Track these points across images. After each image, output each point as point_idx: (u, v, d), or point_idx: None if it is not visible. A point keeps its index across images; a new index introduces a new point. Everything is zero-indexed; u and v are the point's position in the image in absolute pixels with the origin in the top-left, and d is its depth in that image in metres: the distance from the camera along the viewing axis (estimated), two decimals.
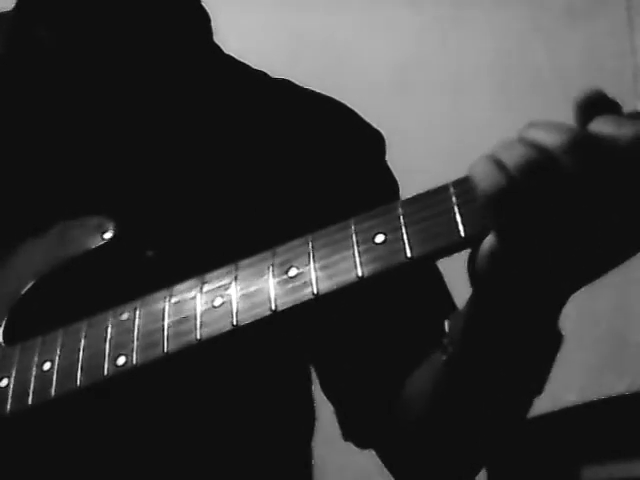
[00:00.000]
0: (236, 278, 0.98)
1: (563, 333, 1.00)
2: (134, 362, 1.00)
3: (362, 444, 1.24)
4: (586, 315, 2.71)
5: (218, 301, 0.97)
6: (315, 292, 0.92)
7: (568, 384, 2.61)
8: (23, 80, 1.27)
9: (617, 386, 2.36)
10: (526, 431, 2.20)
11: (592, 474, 2.16)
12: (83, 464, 1.16)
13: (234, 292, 0.97)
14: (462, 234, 0.88)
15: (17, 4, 1.29)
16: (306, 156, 1.25)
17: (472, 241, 0.89)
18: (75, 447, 1.16)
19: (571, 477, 2.17)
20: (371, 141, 1.31)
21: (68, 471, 1.16)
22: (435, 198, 0.91)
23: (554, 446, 2.18)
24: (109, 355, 1.02)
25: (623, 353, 2.69)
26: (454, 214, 0.89)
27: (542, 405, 2.23)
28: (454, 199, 0.89)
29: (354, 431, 1.23)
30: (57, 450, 1.16)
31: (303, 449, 1.29)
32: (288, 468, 1.27)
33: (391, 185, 1.30)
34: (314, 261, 0.94)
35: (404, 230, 0.91)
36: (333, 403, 1.25)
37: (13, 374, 1.07)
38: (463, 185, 0.89)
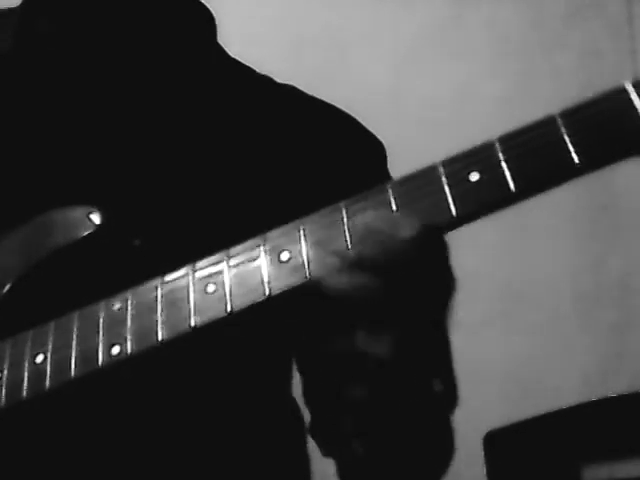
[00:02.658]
0: (228, 264, 0.98)
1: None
2: (129, 351, 1.00)
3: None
4: (586, 315, 2.71)
5: (211, 288, 0.98)
6: (308, 275, 0.93)
7: (568, 384, 2.61)
8: (25, 74, 1.27)
9: (617, 386, 2.35)
10: (526, 431, 2.20)
11: (592, 474, 2.16)
12: (77, 458, 1.16)
13: (227, 278, 0.97)
14: (454, 213, 0.89)
15: (23, 1, 1.30)
16: (306, 157, 1.26)
17: (464, 220, 0.89)
18: (69, 442, 1.16)
19: (571, 477, 2.17)
20: (373, 149, 1.32)
21: (62, 465, 1.16)
22: (425, 178, 0.91)
23: (554, 446, 2.18)
24: (103, 345, 1.02)
25: (623, 353, 2.69)
26: (445, 193, 0.89)
27: (542, 405, 2.24)
28: (444, 179, 0.90)
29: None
30: (52, 445, 1.16)
31: (299, 446, 1.29)
32: (284, 465, 1.27)
33: None
34: (306, 244, 0.94)
35: (395, 211, 0.91)
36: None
37: (5, 368, 1.07)
38: (453, 164, 0.90)
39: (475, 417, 2.38)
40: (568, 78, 2.75)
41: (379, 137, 1.34)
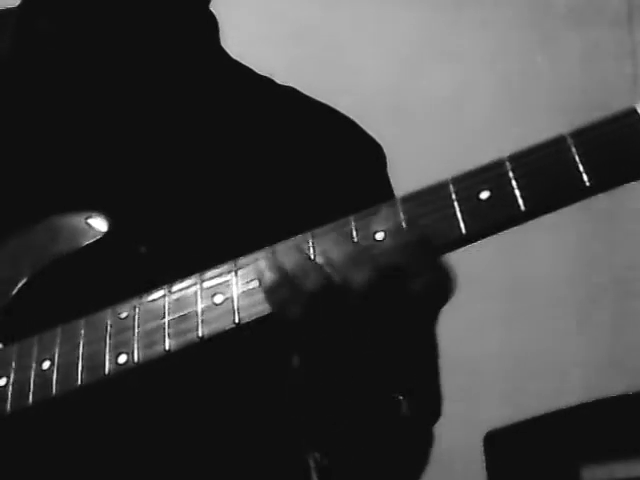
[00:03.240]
0: (236, 275, 0.98)
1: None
2: (135, 360, 1.00)
3: None
4: (586, 315, 2.71)
5: (219, 298, 0.97)
6: None
7: (568, 384, 2.61)
8: (25, 75, 1.27)
9: (617, 386, 2.35)
10: (526, 431, 2.20)
11: (592, 474, 2.16)
12: (83, 463, 1.16)
13: (235, 289, 0.97)
14: (463, 230, 0.89)
15: (22, 2, 1.30)
16: (306, 160, 1.25)
17: (472, 238, 0.89)
18: (74, 448, 1.16)
19: (571, 477, 2.17)
20: (373, 153, 1.32)
21: (67, 471, 1.16)
22: (435, 194, 0.91)
23: (554, 446, 2.18)
24: (110, 353, 1.01)
25: (623, 353, 2.69)
26: (455, 211, 0.89)
27: (542, 405, 2.24)
28: (454, 196, 0.90)
29: None
30: (57, 451, 1.16)
31: (299, 447, 1.29)
32: (284, 466, 1.27)
33: (389, 197, 1.30)
34: (315, 257, 0.94)
35: (405, 227, 0.91)
36: None
37: (12, 373, 1.07)
38: (463, 182, 0.90)
39: (475, 417, 2.39)
40: (568, 78, 2.75)
41: (378, 140, 1.34)
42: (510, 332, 2.67)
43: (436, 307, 0.97)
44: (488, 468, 2.22)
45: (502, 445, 2.23)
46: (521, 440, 2.22)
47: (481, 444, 2.24)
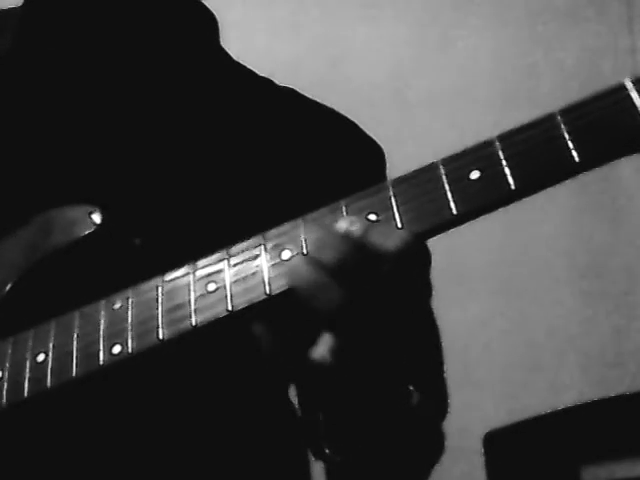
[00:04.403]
0: (229, 263, 0.98)
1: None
2: (130, 350, 1.00)
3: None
4: (586, 315, 2.71)
5: (212, 286, 0.98)
6: None
7: (568, 384, 2.61)
8: (26, 74, 1.28)
9: (617, 386, 2.35)
10: (526, 431, 2.20)
11: (592, 474, 2.16)
12: (78, 457, 1.16)
13: (228, 277, 0.97)
14: (454, 211, 0.89)
15: (25, 1, 1.30)
16: (305, 160, 1.26)
17: (464, 218, 0.89)
18: (70, 441, 1.16)
19: (571, 477, 2.17)
20: (372, 153, 1.32)
21: (62, 464, 1.16)
22: (425, 176, 0.91)
23: (554, 446, 2.18)
24: (104, 344, 1.01)
25: (623, 353, 2.69)
26: (445, 192, 0.90)
27: (542, 405, 2.24)
28: (444, 177, 0.90)
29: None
30: (52, 444, 1.16)
31: (299, 447, 1.29)
32: (284, 465, 1.26)
33: None
34: (307, 243, 0.94)
35: (396, 209, 0.91)
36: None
37: (7, 367, 1.07)
38: (453, 162, 0.90)
39: (475, 417, 2.39)
40: (568, 77, 2.75)
41: (378, 139, 1.34)
42: (510, 332, 2.67)
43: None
44: (488, 468, 2.21)
45: (502, 445, 2.23)
46: (521, 440, 2.22)
47: (481, 444, 2.23)
